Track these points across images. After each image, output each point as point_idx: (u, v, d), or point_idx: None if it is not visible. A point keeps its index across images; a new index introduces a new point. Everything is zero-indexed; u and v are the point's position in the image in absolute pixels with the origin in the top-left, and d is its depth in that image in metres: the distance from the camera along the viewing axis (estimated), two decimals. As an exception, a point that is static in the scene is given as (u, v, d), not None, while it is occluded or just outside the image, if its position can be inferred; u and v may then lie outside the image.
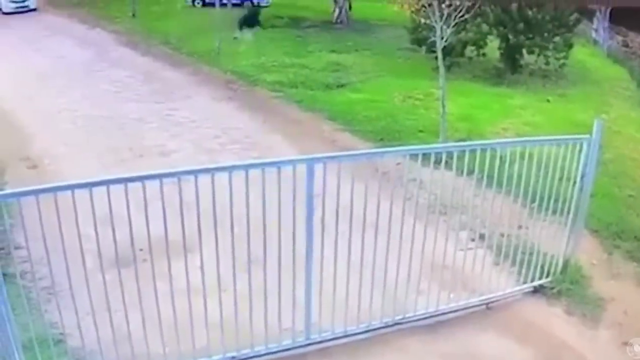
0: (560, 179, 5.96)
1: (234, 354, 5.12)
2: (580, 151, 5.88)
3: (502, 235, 6.18)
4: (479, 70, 16.04)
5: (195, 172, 4.77)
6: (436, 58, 10.99)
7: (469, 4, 11.16)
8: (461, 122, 11.11)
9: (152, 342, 4.80)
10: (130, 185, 4.42)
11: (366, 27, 21.23)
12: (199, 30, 19.24)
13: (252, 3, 24.74)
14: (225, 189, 4.63)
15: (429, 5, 10.44)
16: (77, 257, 4.40)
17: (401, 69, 15.77)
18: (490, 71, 15.95)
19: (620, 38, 23.15)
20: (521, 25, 15.43)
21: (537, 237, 6.16)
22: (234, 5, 20.99)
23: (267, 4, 25.07)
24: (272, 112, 12.49)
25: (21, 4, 23.75)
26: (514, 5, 15.41)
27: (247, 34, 16.96)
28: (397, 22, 17.81)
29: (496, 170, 5.67)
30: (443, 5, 10.12)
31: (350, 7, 22.37)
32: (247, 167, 4.77)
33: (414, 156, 5.59)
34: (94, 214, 4.32)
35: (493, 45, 16.18)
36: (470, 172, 5.83)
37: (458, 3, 10.30)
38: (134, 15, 22.63)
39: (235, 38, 16.63)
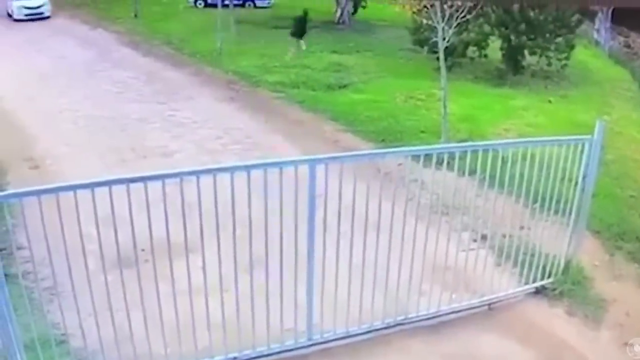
0: (562, 179, 5.95)
1: (236, 354, 5.12)
2: (582, 152, 5.88)
3: (504, 236, 6.19)
4: (481, 71, 16.04)
5: (197, 173, 4.77)
6: (438, 59, 10.99)
7: (471, 4, 11.17)
8: (463, 122, 11.11)
9: (154, 343, 4.81)
10: (132, 185, 4.43)
11: (368, 27, 21.27)
12: (200, 31, 19.30)
13: (254, 4, 24.81)
14: (227, 190, 4.64)
15: (431, 5, 10.44)
16: (79, 258, 4.40)
17: (403, 70, 15.79)
18: (492, 72, 15.94)
19: (622, 39, 23.13)
20: (523, 26, 15.42)
21: (538, 238, 6.15)
22: (236, 5, 21.05)
23: (269, 5, 25.12)
24: (274, 112, 12.50)
25: (35, 11, 22.48)
26: (516, 6, 15.35)
27: (302, 42, 17.20)
28: (398, 22, 17.84)
29: (498, 171, 5.67)
30: (445, 6, 10.12)
31: (355, 11, 22.39)
32: (249, 168, 4.77)
33: (415, 157, 5.61)
34: (96, 214, 4.32)
35: (495, 46, 16.18)
36: (472, 173, 5.82)
37: (460, 4, 10.30)
38: (136, 15, 22.68)
39: (304, 49, 16.95)
